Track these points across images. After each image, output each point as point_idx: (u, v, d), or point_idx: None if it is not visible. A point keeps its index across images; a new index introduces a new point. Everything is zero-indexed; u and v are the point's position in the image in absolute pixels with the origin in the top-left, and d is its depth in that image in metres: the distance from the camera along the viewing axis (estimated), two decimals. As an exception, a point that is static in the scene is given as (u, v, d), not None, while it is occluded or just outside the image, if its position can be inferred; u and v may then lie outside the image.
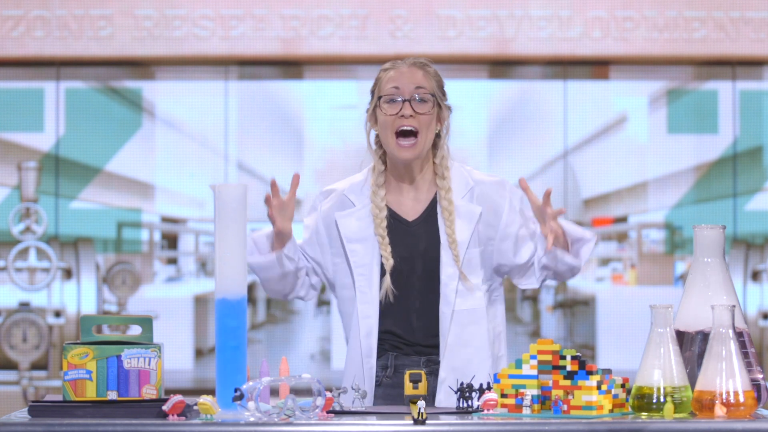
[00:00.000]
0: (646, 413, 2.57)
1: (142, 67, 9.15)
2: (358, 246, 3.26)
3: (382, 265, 3.25)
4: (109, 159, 9.31)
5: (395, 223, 3.29)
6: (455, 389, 2.72)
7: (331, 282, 3.35)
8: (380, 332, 3.25)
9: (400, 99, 3.24)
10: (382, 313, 3.25)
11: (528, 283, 3.31)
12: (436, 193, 3.30)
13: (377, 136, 3.32)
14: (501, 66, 9.21)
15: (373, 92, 3.32)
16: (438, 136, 3.32)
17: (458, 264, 3.23)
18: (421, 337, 3.26)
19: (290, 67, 9.17)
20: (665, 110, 9.40)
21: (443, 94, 3.31)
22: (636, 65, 9.05)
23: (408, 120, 3.23)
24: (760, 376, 2.68)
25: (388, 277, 3.23)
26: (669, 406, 2.53)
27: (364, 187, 3.33)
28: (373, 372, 3.23)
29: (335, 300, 3.39)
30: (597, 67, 9.15)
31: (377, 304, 3.24)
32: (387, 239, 3.26)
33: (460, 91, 9.53)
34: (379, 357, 3.26)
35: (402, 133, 3.24)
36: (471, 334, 3.25)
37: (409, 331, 3.26)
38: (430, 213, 3.30)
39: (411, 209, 3.31)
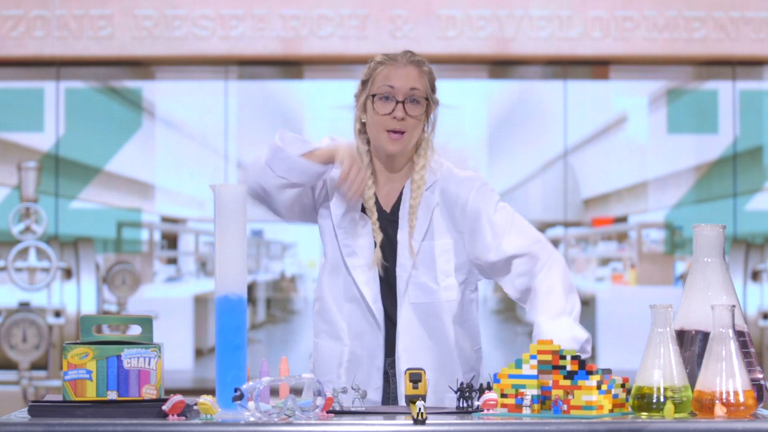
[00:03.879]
0: (646, 413, 2.57)
1: (142, 67, 9.15)
2: (350, 232, 3.26)
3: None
4: (109, 159, 9.31)
5: (378, 214, 3.29)
6: (455, 389, 2.72)
7: (310, 209, 3.31)
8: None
9: (393, 99, 3.23)
10: None
11: (505, 286, 3.27)
12: (406, 183, 3.30)
13: (364, 124, 3.31)
14: (501, 66, 9.21)
15: (365, 82, 3.30)
16: (423, 130, 3.31)
17: (412, 254, 3.22)
18: (384, 332, 3.25)
19: (290, 67, 9.17)
20: (665, 110, 9.40)
21: (433, 91, 3.30)
22: (636, 65, 9.05)
23: (399, 123, 3.22)
24: (760, 376, 2.68)
25: (378, 250, 3.23)
26: (669, 406, 2.53)
27: None
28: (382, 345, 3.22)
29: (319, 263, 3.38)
30: (597, 67, 9.15)
31: (377, 278, 3.23)
32: (376, 214, 3.27)
33: (460, 91, 9.54)
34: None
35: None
36: (432, 327, 3.23)
37: (375, 325, 3.25)
38: (397, 203, 3.29)
39: (387, 197, 3.30)
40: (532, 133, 9.67)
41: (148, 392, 2.60)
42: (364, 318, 3.24)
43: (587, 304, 9.50)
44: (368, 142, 3.31)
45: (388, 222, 3.28)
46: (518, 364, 2.64)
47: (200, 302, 9.78)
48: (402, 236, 3.25)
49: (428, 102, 3.26)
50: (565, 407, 2.59)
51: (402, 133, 3.22)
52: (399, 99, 3.22)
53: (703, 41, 8.72)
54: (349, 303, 3.25)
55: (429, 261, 3.24)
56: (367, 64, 3.33)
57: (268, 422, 2.49)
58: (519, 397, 2.62)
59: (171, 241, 11.31)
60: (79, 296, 7.79)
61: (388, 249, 3.26)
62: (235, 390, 2.52)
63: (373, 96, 3.25)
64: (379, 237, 3.24)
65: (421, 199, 3.25)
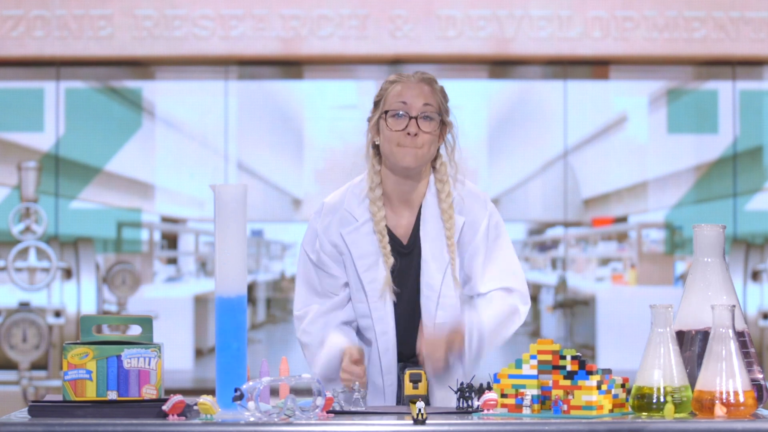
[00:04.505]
0: (646, 413, 2.57)
1: (142, 67, 9.15)
2: (369, 261, 3.23)
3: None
4: (109, 159, 9.31)
5: (393, 245, 3.26)
6: (455, 389, 2.72)
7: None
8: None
9: (406, 115, 3.20)
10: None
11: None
12: (420, 207, 3.26)
13: (377, 147, 3.29)
14: (501, 66, 9.21)
15: (377, 103, 3.27)
16: (438, 150, 3.30)
17: (458, 287, 3.22)
18: (407, 354, 3.25)
19: (290, 67, 9.17)
20: (665, 110, 9.40)
21: (447, 110, 3.28)
22: (636, 65, 9.05)
23: (412, 139, 3.20)
24: (760, 376, 2.68)
25: (388, 274, 3.21)
26: (669, 406, 2.53)
27: (363, 199, 3.28)
28: (394, 389, 3.21)
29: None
30: (597, 67, 9.15)
31: (393, 319, 3.23)
32: (387, 238, 3.25)
33: (460, 91, 9.53)
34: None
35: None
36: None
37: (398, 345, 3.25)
38: (416, 228, 3.27)
39: (402, 227, 3.28)
40: (532, 133, 9.67)
41: (148, 392, 2.60)
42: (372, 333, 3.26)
43: (587, 304, 9.50)
44: (379, 173, 3.27)
45: (402, 254, 3.25)
46: (518, 364, 2.64)
47: (200, 302, 9.78)
48: (428, 268, 3.23)
49: (441, 119, 3.24)
50: (565, 407, 2.59)
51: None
52: (412, 114, 3.20)
53: (703, 41, 8.72)
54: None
55: (451, 280, 3.23)
56: (380, 86, 3.32)
57: (268, 422, 2.49)
58: (519, 397, 2.62)
59: (171, 241, 11.32)
60: (79, 296, 7.79)
61: (402, 276, 3.24)
62: (235, 390, 2.52)
63: (386, 113, 3.22)
64: (390, 261, 3.22)
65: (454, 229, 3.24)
